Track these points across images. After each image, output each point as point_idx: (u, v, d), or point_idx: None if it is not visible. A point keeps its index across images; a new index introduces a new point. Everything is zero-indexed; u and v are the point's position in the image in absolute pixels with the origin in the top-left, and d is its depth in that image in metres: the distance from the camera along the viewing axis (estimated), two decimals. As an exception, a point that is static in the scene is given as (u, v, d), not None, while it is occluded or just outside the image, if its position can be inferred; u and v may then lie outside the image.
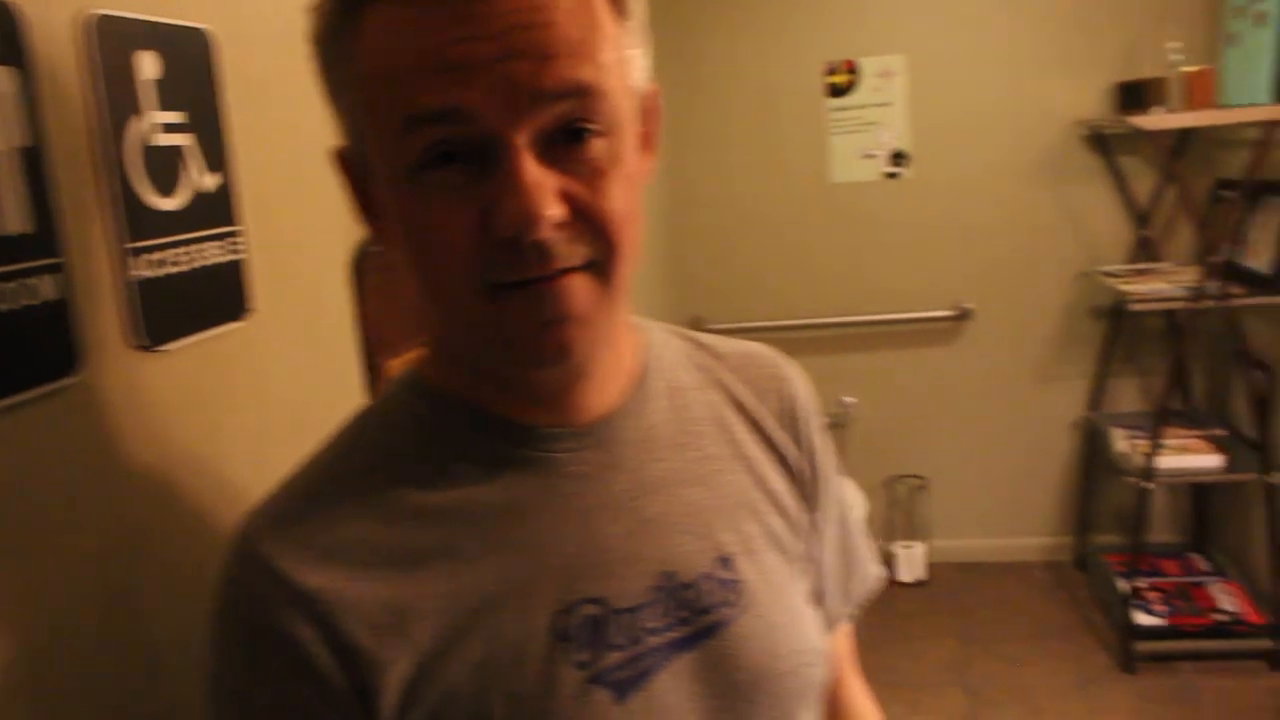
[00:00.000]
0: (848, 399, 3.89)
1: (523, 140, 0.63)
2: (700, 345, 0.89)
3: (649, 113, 0.75)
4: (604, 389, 0.77)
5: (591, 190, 0.65)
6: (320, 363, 1.24)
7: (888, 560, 3.92)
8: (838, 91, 3.75)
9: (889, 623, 3.54)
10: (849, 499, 0.97)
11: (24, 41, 0.77)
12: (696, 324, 3.90)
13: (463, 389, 0.75)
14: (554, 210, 0.63)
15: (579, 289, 0.66)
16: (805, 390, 0.91)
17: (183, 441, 0.96)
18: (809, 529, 0.87)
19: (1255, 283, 3.01)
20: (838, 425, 3.91)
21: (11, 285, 0.76)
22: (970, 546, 3.95)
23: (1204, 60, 3.24)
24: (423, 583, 0.69)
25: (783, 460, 0.86)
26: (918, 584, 3.84)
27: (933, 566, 3.90)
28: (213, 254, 1.01)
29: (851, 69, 3.73)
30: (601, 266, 0.67)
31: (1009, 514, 3.91)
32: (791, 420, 0.88)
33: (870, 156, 3.77)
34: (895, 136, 3.74)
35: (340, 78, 0.68)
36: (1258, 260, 3.02)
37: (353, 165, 0.72)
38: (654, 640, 0.73)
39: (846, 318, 3.85)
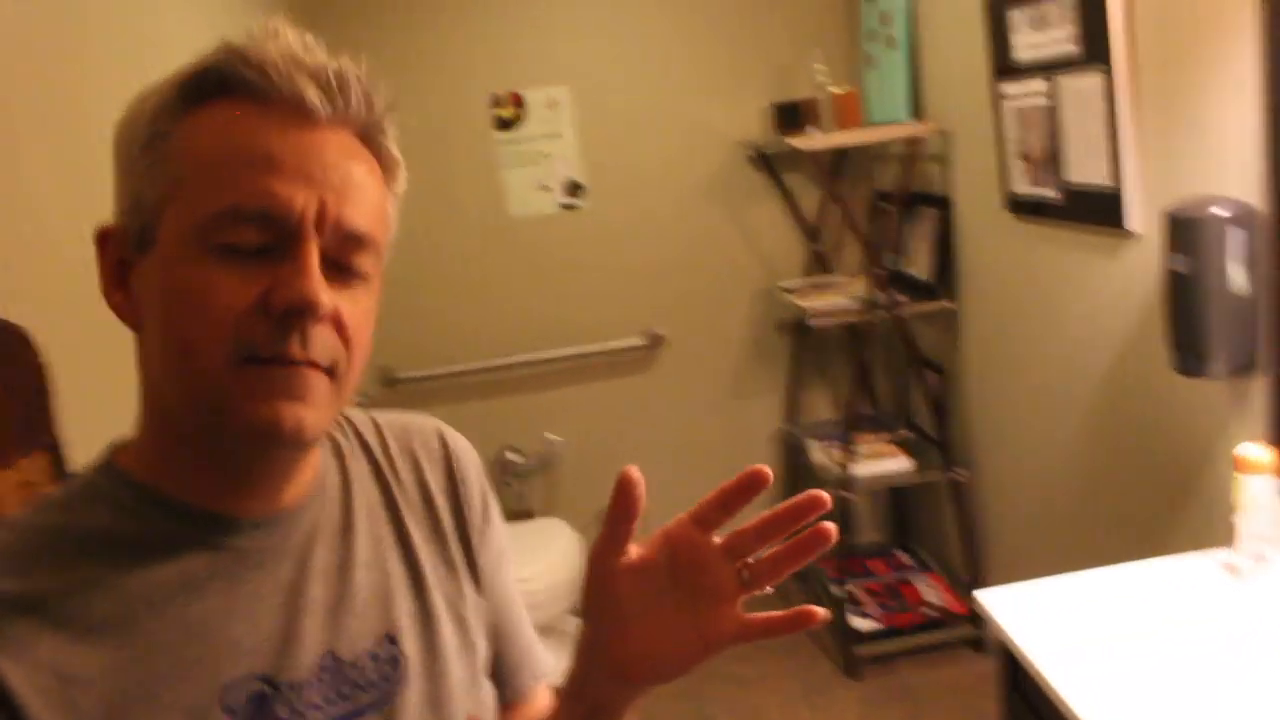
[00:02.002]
0: (553, 437, 3.80)
1: (315, 249, 0.73)
2: (370, 428, 0.94)
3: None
4: (296, 483, 0.83)
5: (348, 311, 0.75)
6: None
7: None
8: (505, 124, 3.65)
9: (619, 663, 3.47)
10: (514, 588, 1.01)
11: None
12: (385, 375, 3.70)
13: (158, 476, 0.78)
14: (328, 302, 0.72)
15: (319, 382, 0.74)
16: (467, 455, 0.97)
17: None
18: (480, 590, 0.93)
19: (917, 289, 3.14)
20: (546, 464, 3.81)
21: None
22: (690, 570, 3.95)
23: (848, 80, 3.37)
24: (93, 652, 0.71)
25: (452, 530, 0.92)
26: (643, 616, 3.80)
27: (656, 596, 3.87)
28: None
29: (518, 101, 3.63)
30: (339, 373, 0.76)
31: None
32: (454, 489, 0.94)
33: (546, 189, 3.68)
34: (568, 168, 3.68)
35: (155, 153, 0.74)
36: (917, 268, 3.16)
37: (118, 240, 0.77)
38: (316, 715, 0.78)
39: (541, 354, 3.75)
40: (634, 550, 0.76)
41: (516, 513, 3.76)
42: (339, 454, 0.90)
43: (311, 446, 0.81)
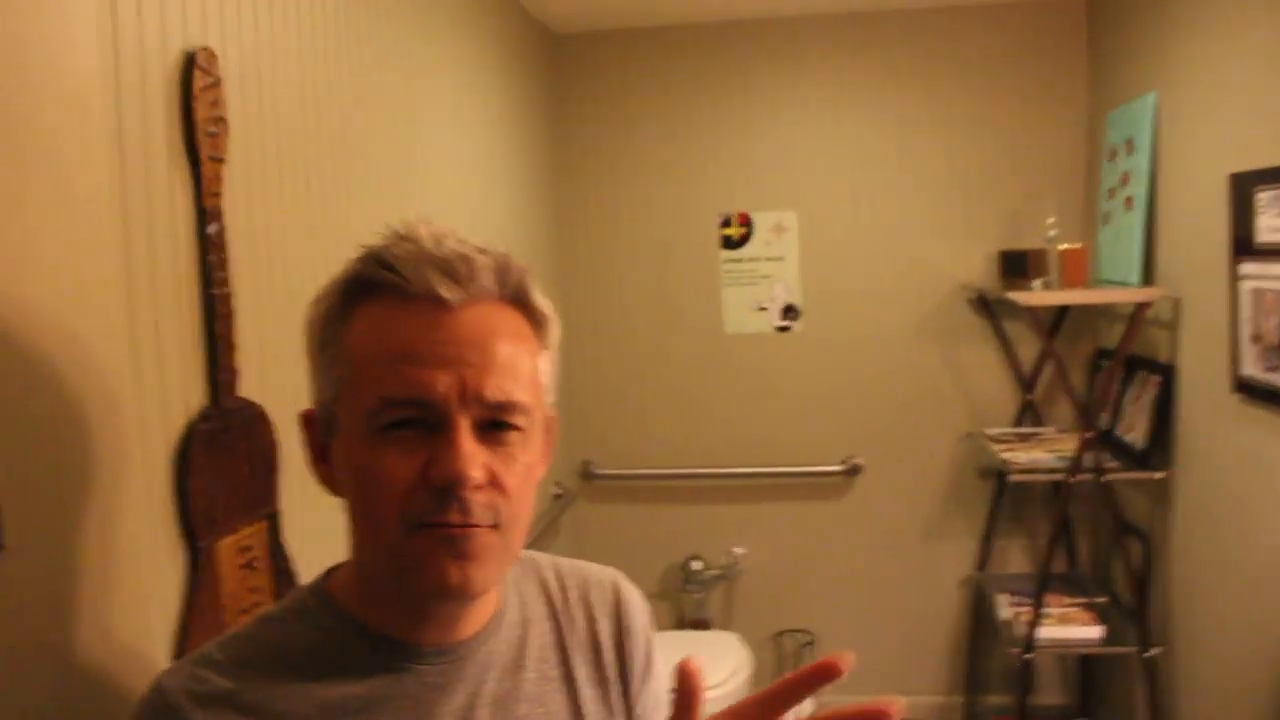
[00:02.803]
0: (738, 550, 3.83)
1: (464, 422, 0.83)
2: (552, 573, 1.05)
3: (547, 430, 0.95)
4: (475, 617, 0.94)
5: (505, 468, 0.85)
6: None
7: None
8: (731, 243, 3.78)
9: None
10: None
11: None
12: (585, 469, 3.85)
13: (357, 605, 0.91)
14: (478, 474, 0.83)
15: (483, 539, 0.84)
16: (638, 609, 1.07)
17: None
18: None
19: (1129, 456, 3.04)
20: (726, 577, 3.84)
21: None
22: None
23: (1080, 234, 3.34)
24: None
25: (615, 677, 1.02)
26: (806, 746, 3.73)
27: (821, 727, 3.80)
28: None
29: (745, 222, 3.77)
30: (503, 526, 0.85)
31: (899, 671, 3.85)
32: (621, 640, 1.03)
33: (762, 309, 3.79)
34: (787, 291, 3.77)
35: (328, 355, 0.87)
36: (1132, 434, 3.06)
37: (317, 423, 0.91)
38: None
39: (737, 468, 3.82)
40: None
41: (694, 621, 3.80)
42: (520, 596, 1.00)
43: (481, 596, 0.90)
